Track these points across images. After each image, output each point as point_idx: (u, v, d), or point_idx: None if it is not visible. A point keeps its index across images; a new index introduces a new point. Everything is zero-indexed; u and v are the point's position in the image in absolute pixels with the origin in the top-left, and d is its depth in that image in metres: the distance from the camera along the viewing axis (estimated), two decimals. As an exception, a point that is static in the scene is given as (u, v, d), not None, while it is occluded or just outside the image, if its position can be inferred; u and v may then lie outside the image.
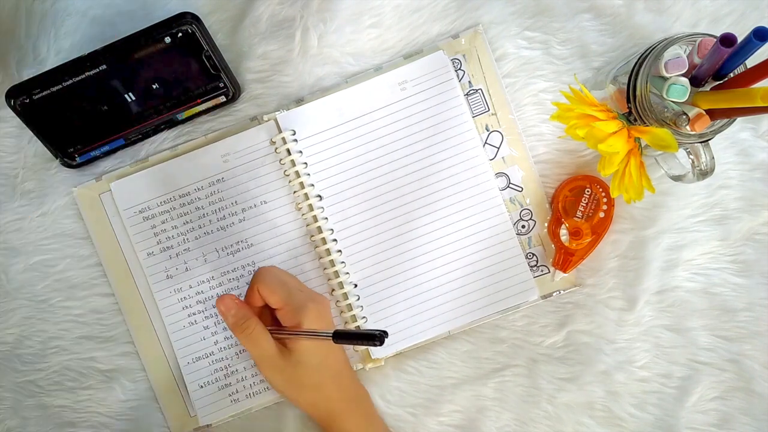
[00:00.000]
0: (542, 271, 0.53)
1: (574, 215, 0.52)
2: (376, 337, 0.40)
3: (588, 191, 0.52)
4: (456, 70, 0.52)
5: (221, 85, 0.52)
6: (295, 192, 0.53)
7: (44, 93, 0.49)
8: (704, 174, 0.45)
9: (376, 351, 0.52)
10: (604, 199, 0.51)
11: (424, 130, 0.52)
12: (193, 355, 0.53)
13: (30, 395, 0.54)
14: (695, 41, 0.43)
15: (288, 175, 0.53)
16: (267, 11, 0.53)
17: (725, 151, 0.52)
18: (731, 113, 0.42)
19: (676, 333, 0.52)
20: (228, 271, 0.53)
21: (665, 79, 0.43)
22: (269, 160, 0.53)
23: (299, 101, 0.53)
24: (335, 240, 0.53)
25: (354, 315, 0.52)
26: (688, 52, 0.44)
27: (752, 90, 0.38)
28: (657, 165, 0.51)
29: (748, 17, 0.52)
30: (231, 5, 0.54)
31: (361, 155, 0.52)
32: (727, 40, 0.38)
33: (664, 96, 0.43)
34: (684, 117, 0.42)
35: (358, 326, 0.52)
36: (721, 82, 0.43)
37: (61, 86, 0.49)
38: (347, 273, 0.53)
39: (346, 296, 0.52)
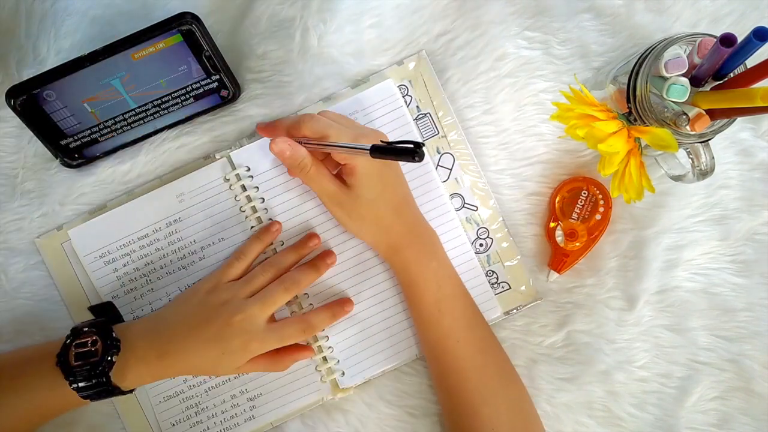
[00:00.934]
0: (503, 287, 0.53)
1: (570, 216, 0.52)
2: (413, 151, 0.36)
3: (585, 193, 0.52)
4: (403, 96, 0.53)
5: (221, 84, 0.52)
6: (252, 227, 0.53)
7: (44, 92, 0.49)
8: (704, 174, 0.45)
9: (343, 380, 0.52)
10: (601, 201, 0.51)
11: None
12: (164, 394, 0.53)
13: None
14: (695, 41, 0.43)
15: (244, 211, 0.53)
16: (267, 11, 0.53)
17: (725, 151, 0.52)
18: (731, 113, 0.42)
19: (675, 333, 0.52)
20: None
21: (665, 79, 0.43)
22: (224, 197, 0.53)
23: (251, 136, 0.53)
24: None
25: (320, 345, 0.53)
26: (688, 52, 0.44)
27: (752, 90, 0.38)
28: (657, 165, 0.51)
29: (748, 17, 0.52)
30: (231, 5, 0.54)
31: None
32: (727, 40, 0.38)
33: (664, 96, 0.43)
34: (684, 117, 0.42)
35: (325, 357, 0.53)
36: (721, 82, 0.43)
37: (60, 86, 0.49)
38: (311, 305, 0.53)
39: None
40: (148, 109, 0.52)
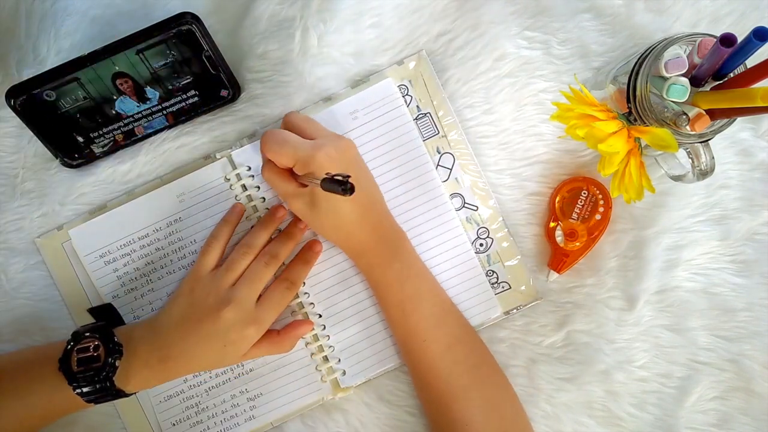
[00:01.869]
0: (503, 287, 0.53)
1: (570, 216, 0.52)
2: (341, 185, 0.38)
3: (585, 193, 0.52)
4: (403, 96, 0.53)
5: (221, 84, 0.52)
6: (252, 227, 0.53)
7: (44, 92, 0.49)
8: (704, 174, 0.45)
9: (344, 380, 0.53)
10: (601, 202, 0.51)
11: (377, 158, 0.52)
12: (164, 394, 0.53)
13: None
14: (695, 41, 0.43)
15: (245, 211, 0.53)
16: (267, 11, 0.53)
17: (725, 151, 0.52)
18: (731, 113, 0.42)
19: (675, 333, 0.52)
20: None
21: (665, 79, 0.43)
22: (225, 197, 0.53)
23: (252, 136, 0.53)
24: None
25: (321, 345, 0.53)
26: (688, 52, 0.44)
27: (752, 90, 0.38)
28: (657, 165, 0.51)
29: (748, 17, 0.52)
30: (231, 5, 0.54)
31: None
32: (727, 40, 0.38)
33: (664, 96, 0.43)
34: (684, 117, 0.42)
35: (326, 357, 0.53)
36: (721, 82, 0.43)
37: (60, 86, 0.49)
38: (311, 304, 0.53)
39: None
40: (148, 109, 0.52)
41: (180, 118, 0.53)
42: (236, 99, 0.53)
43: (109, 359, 0.45)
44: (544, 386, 0.53)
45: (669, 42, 0.43)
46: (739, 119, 0.47)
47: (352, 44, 0.53)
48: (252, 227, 0.52)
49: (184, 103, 0.52)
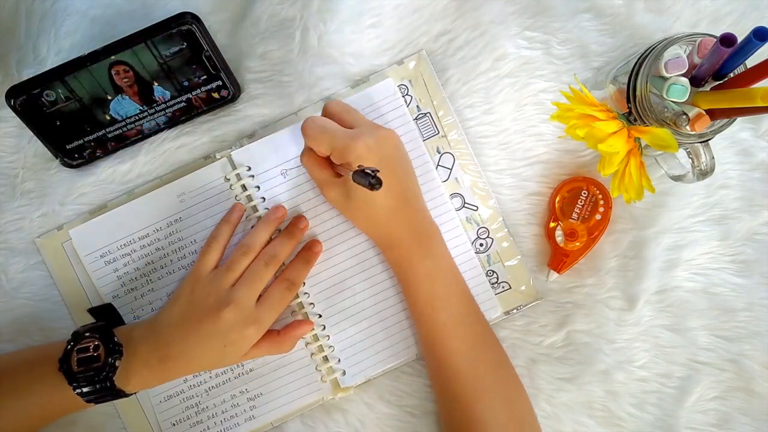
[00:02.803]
0: (503, 287, 0.53)
1: (570, 216, 0.52)
2: (369, 180, 0.38)
3: (585, 193, 0.52)
4: (403, 96, 0.53)
5: (221, 84, 0.52)
6: (253, 227, 0.53)
7: (44, 92, 0.49)
8: (704, 174, 0.45)
9: (344, 380, 0.52)
10: (601, 202, 0.51)
11: None
12: (164, 394, 0.53)
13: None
14: (695, 41, 0.43)
15: (245, 211, 0.53)
16: (267, 11, 0.53)
17: (725, 151, 0.52)
18: (731, 113, 0.42)
19: (675, 333, 0.52)
20: None
21: (665, 79, 0.43)
22: (225, 197, 0.53)
23: (251, 136, 0.53)
24: None
25: (321, 345, 0.53)
26: (688, 52, 0.44)
27: (752, 90, 0.38)
28: (657, 165, 0.51)
29: (748, 17, 0.52)
30: (231, 5, 0.54)
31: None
32: (727, 40, 0.38)
33: (664, 96, 0.43)
34: (684, 117, 0.42)
35: (326, 356, 0.53)
36: (721, 82, 0.43)
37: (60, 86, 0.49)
38: (311, 304, 0.53)
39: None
40: (148, 109, 0.52)
41: (180, 118, 0.53)
42: (236, 99, 0.53)
43: (109, 359, 0.45)
44: (544, 386, 0.53)
45: (669, 42, 0.43)
46: (739, 119, 0.47)
47: (352, 44, 0.53)
48: (252, 227, 0.52)
49: (184, 103, 0.52)
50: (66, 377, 0.45)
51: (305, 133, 0.47)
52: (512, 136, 0.53)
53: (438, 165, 0.53)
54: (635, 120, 0.45)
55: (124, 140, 0.53)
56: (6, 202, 0.54)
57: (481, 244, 0.53)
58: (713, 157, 0.45)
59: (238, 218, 0.52)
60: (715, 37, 0.40)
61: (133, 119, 0.52)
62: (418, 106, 0.53)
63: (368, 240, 0.52)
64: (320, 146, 0.47)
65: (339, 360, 0.53)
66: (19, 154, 0.54)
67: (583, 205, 0.52)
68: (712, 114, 0.42)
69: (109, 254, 0.53)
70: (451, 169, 0.53)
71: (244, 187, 0.53)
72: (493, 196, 0.53)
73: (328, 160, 0.49)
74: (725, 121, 0.43)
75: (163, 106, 0.52)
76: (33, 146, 0.54)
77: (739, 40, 0.38)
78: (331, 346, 0.53)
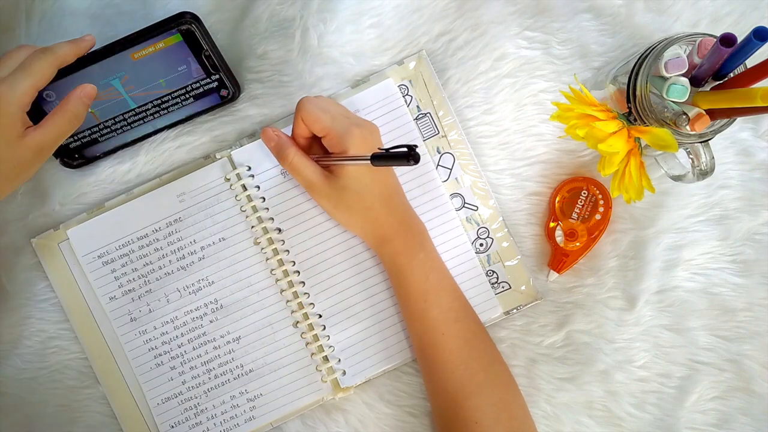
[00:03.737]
0: (503, 287, 0.53)
1: (570, 216, 0.52)
2: (408, 155, 0.37)
3: (584, 193, 0.52)
4: (403, 96, 0.53)
5: (221, 84, 0.52)
6: (253, 227, 0.53)
7: (44, 92, 0.49)
8: (704, 174, 0.45)
9: (344, 380, 0.52)
10: (601, 202, 0.51)
11: None
12: (162, 396, 0.53)
13: (30, 393, 0.54)
14: (695, 41, 0.43)
15: (245, 211, 0.53)
16: (267, 11, 0.53)
17: (725, 151, 0.52)
18: (731, 113, 0.42)
19: (675, 333, 0.52)
20: (191, 310, 0.53)
21: (665, 79, 0.43)
22: (225, 197, 0.53)
23: (251, 136, 0.53)
24: (297, 272, 0.53)
25: (321, 345, 0.53)
26: (688, 52, 0.44)
27: (752, 90, 0.38)
28: (657, 165, 0.51)
29: (748, 17, 0.52)
30: (231, 5, 0.54)
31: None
32: (727, 40, 0.38)
33: (664, 96, 0.43)
34: (684, 117, 0.42)
35: (326, 356, 0.53)
36: (721, 82, 0.43)
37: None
38: (311, 304, 0.53)
39: (311, 327, 0.53)
40: (148, 109, 0.52)
41: (180, 118, 0.53)
42: (236, 99, 0.53)
43: None
44: (544, 386, 0.53)
45: (669, 42, 0.43)
46: (739, 119, 0.47)
47: (352, 44, 0.53)
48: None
49: (184, 103, 0.52)
50: None
51: (304, 110, 0.46)
52: (512, 136, 0.53)
53: (438, 165, 0.53)
54: (635, 120, 0.45)
55: (132, 136, 0.53)
56: (6, 202, 0.54)
57: (481, 244, 0.53)
58: (713, 157, 0.45)
59: (85, 48, 0.47)
60: (715, 37, 0.40)
61: (132, 117, 0.52)
62: (418, 106, 0.53)
63: None
64: (317, 125, 0.46)
65: (339, 360, 0.53)
66: (18, 154, 0.54)
67: (583, 205, 0.52)
68: (712, 114, 0.42)
69: (106, 255, 0.53)
70: (451, 169, 0.53)
71: (244, 187, 0.53)
72: (493, 196, 0.53)
73: (311, 152, 0.48)
74: (725, 121, 0.43)
75: (163, 105, 0.52)
76: (33, 146, 0.54)
77: (739, 40, 0.38)
78: (331, 346, 0.53)
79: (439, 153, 0.53)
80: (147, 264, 0.53)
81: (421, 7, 0.53)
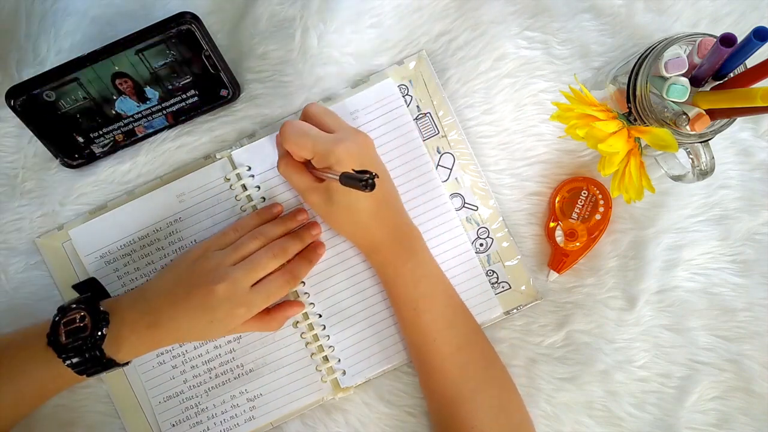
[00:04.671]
0: (503, 287, 0.53)
1: (570, 216, 0.52)
2: (365, 182, 0.38)
3: (585, 193, 0.52)
4: (404, 96, 0.53)
5: (221, 84, 0.52)
6: (271, 221, 0.52)
7: (44, 92, 0.49)
8: (704, 174, 0.45)
9: (345, 380, 0.52)
10: (601, 202, 0.51)
11: None
12: (164, 395, 0.53)
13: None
14: (695, 41, 0.43)
15: (245, 211, 0.53)
16: (267, 11, 0.53)
17: (725, 151, 0.52)
18: (731, 113, 0.42)
19: (675, 333, 0.52)
20: None
21: (665, 79, 0.43)
22: (225, 197, 0.53)
23: (251, 136, 0.53)
24: None
25: (321, 345, 0.53)
26: (688, 52, 0.44)
27: (752, 90, 0.38)
28: (657, 165, 0.51)
29: (748, 17, 0.52)
30: (231, 5, 0.54)
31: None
32: (727, 40, 0.38)
33: (664, 96, 0.43)
34: (684, 117, 0.42)
35: (326, 356, 0.53)
36: (721, 82, 0.43)
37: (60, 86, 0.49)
38: (311, 304, 0.53)
39: (311, 327, 0.53)
40: (148, 109, 0.52)
41: (180, 118, 0.53)
42: (236, 99, 0.53)
43: (96, 327, 0.45)
44: (544, 386, 0.52)
45: (669, 42, 0.43)
46: (739, 119, 0.47)
47: (352, 44, 0.53)
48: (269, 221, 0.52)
49: (184, 103, 0.52)
50: (55, 350, 0.44)
51: (285, 137, 0.47)
52: (512, 136, 0.53)
53: (438, 165, 0.53)
54: (635, 120, 0.45)
55: (132, 136, 0.53)
56: (6, 202, 0.54)
57: (481, 244, 0.53)
58: (713, 157, 0.45)
59: (271, 215, 0.52)
60: (715, 37, 0.40)
61: (133, 117, 0.52)
62: (418, 106, 0.53)
63: None
64: (302, 150, 0.46)
65: (339, 360, 0.53)
66: (19, 154, 0.54)
67: (583, 205, 0.52)
68: (712, 114, 0.42)
69: (109, 254, 0.53)
70: (451, 169, 0.53)
71: (244, 187, 0.53)
72: (493, 196, 0.53)
73: (306, 165, 0.48)
74: (725, 121, 0.43)
75: (160, 107, 0.52)
76: (33, 146, 0.54)
77: (739, 40, 0.38)
78: (331, 346, 0.53)
79: (439, 153, 0.53)
80: (149, 263, 0.53)
81: (421, 7, 0.53)
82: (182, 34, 0.48)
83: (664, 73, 0.43)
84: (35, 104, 0.49)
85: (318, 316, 0.53)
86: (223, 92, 0.52)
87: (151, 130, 0.53)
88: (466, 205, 0.53)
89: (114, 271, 0.53)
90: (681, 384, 0.52)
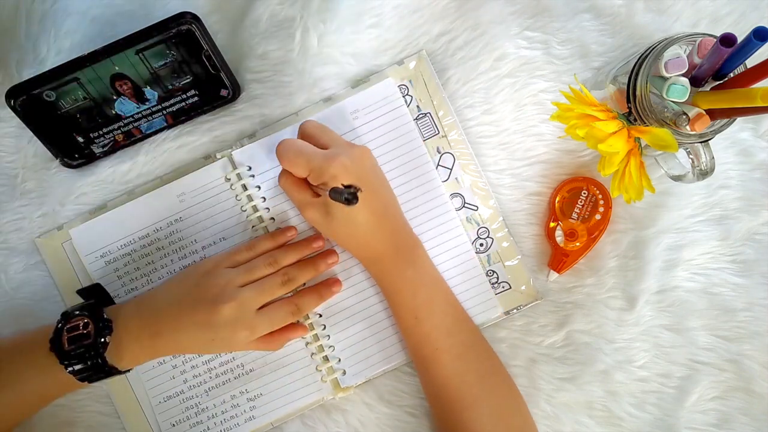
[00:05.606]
0: (503, 287, 0.53)
1: (570, 216, 0.52)
2: (346, 197, 0.38)
3: (585, 193, 0.52)
4: (404, 96, 0.53)
5: (221, 84, 0.52)
6: (253, 227, 0.53)
7: (44, 92, 0.49)
8: (704, 174, 0.45)
9: (345, 379, 0.52)
10: (601, 202, 0.51)
11: (378, 158, 0.52)
12: (164, 395, 0.53)
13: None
14: (695, 41, 0.43)
15: (245, 211, 0.53)
16: (267, 11, 0.53)
17: (725, 151, 0.52)
18: (731, 113, 0.42)
19: (675, 333, 0.52)
20: None
21: (665, 79, 0.43)
22: (225, 197, 0.53)
23: (252, 136, 0.53)
24: None
25: (321, 345, 0.53)
26: (688, 52, 0.44)
27: (752, 90, 0.38)
28: (657, 165, 0.51)
29: (748, 17, 0.52)
30: (231, 5, 0.54)
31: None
32: (727, 40, 0.38)
33: (664, 96, 0.43)
34: (684, 117, 0.42)
35: (326, 356, 0.53)
36: (721, 82, 0.43)
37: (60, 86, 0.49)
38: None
39: (312, 327, 0.53)
40: (148, 109, 0.52)
41: (180, 118, 0.53)
42: (236, 99, 0.53)
43: (99, 335, 0.45)
44: (544, 386, 0.52)
45: (669, 42, 0.43)
46: (739, 119, 0.47)
47: (352, 44, 0.53)
48: (255, 237, 0.52)
49: (184, 103, 0.52)
50: (57, 356, 0.45)
51: (280, 156, 0.47)
52: (512, 136, 0.53)
53: (438, 165, 0.53)
54: (635, 120, 0.45)
55: (132, 136, 0.53)
56: (6, 202, 0.54)
57: (481, 244, 0.53)
58: (713, 157, 0.45)
59: (285, 239, 0.52)
60: (715, 37, 0.40)
61: (133, 117, 0.52)
62: (418, 106, 0.53)
63: None
64: (297, 169, 0.46)
65: (339, 360, 0.53)
66: (19, 154, 0.54)
67: (583, 205, 0.52)
68: (712, 114, 0.42)
69: (109, 254, 0.53)
70: (451, 169, 0.53)
71: (244, 187, 0.53)
72: (493, 196, 0.53)
73: (305, 181, 0.48)
74: (725, 121, 0.43)
75: (160, 107, 0.52)
76: (33, 146, 0.54)
77: (739, 40, 0.38)
78: (331, 346, 0.53)
79: (439, 153, 0.53)
80: (149, 263, 0.53)
81: (421, 7, 0.53)
82: (182, 34, 0.48)
83: (664, 73, 0.43)
84: (35, 104, 0.49)
85: (318, 315, 0.53)
86: (223, 92, 0.52)
87: (151, 130, 0.53)
88: (466, 205, 0.53)
89: (114, 271, 0.53)
90: (681, 384, 0.52)
